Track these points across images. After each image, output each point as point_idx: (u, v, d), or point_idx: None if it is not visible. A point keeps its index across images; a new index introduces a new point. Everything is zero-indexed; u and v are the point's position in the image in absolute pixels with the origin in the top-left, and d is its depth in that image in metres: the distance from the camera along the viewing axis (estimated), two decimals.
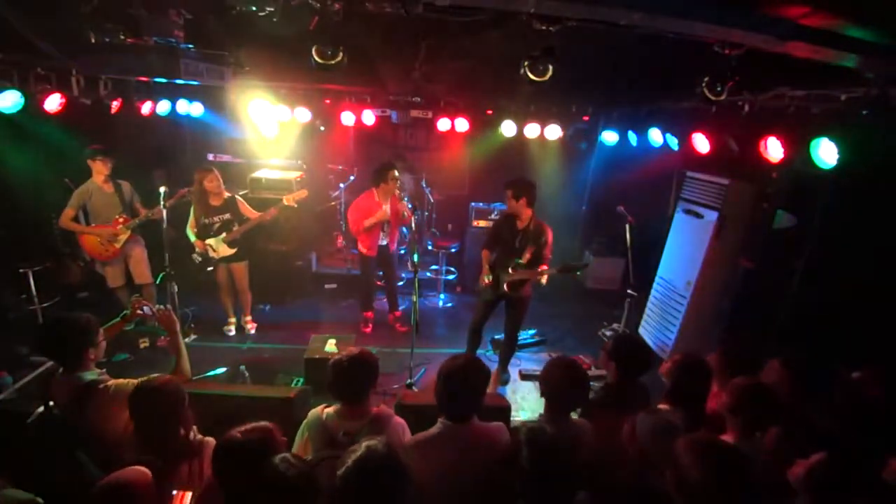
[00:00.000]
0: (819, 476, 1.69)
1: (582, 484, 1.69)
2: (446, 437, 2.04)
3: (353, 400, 2.17)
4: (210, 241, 4.68)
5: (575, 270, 4.24)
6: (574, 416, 2.39)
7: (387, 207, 4.89)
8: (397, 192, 4.96)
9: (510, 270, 4.12)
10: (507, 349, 4.61)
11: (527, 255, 4.09)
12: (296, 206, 4.85)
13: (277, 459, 1.55)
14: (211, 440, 2.12)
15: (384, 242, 5.13)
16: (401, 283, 6.25)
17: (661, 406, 2.31)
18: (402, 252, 6.68)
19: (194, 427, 2.16)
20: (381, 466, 1.52)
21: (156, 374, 2.16)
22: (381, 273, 5.44)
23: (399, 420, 2.24)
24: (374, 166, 5.05)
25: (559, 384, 2.23)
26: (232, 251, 4.78)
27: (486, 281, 4.19)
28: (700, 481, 1.49)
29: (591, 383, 4.51)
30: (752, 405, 2.09)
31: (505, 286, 4.17)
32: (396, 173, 4.87)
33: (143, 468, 1.70)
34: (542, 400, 2.31)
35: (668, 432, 1.88)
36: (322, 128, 6.37)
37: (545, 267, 4.02)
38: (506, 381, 4.64)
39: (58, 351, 2.36)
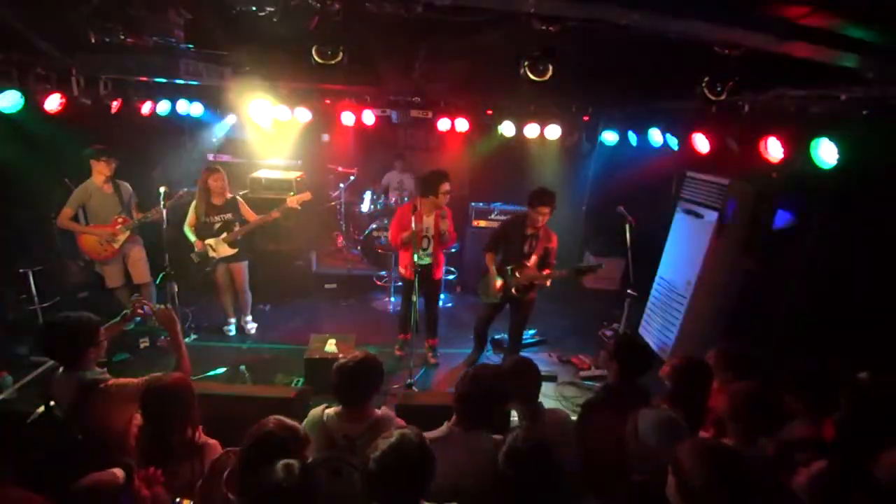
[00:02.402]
0: (821, 485, 1.69)
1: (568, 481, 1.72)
2: (450, 440, 2.04)
3: (356, 403, 2.17)
4: (210, 240, 4.67)
5: (584, 274, 4.19)
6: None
7: (428, 221, 4.34)
8: (444, 208, 4.36)
9: (517, 274, 4.14)
10: (513, 351, 4.60)
11: (534, 259, 4.13)
12: (299, 208, 4.85)
13: (279, 465, 1.55)
14: (214, 442, 2.13)
15: (425, 262, 4.40)
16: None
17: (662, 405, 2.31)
18: (452, 278, 6.52)
19: (200, 427, 2.17)
20: (414, 452, 1.60)
21: (163, 372, 2.16)
22: (423, 299, 4.60)
23: (401, 423, 2.22)
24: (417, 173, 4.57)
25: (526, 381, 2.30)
26: (232, 251, 4.77)
27: (498, 285, 4.16)
28: (702, 485, 1.48)
29: (591, 383, 4.59)
30: (753, 411, 2.08)
31: (513, 290, 4.18)
32: (448, 186, 4.22)
33: (117, 470, 1.70)
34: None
35: (670, 427, 1.88)
36: (325, 136, 6.29)
37: (548, 272, 4.05)
38: None
39: (59, 350, 2.37)
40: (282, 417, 1.83)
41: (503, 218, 6.09)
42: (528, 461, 1.70)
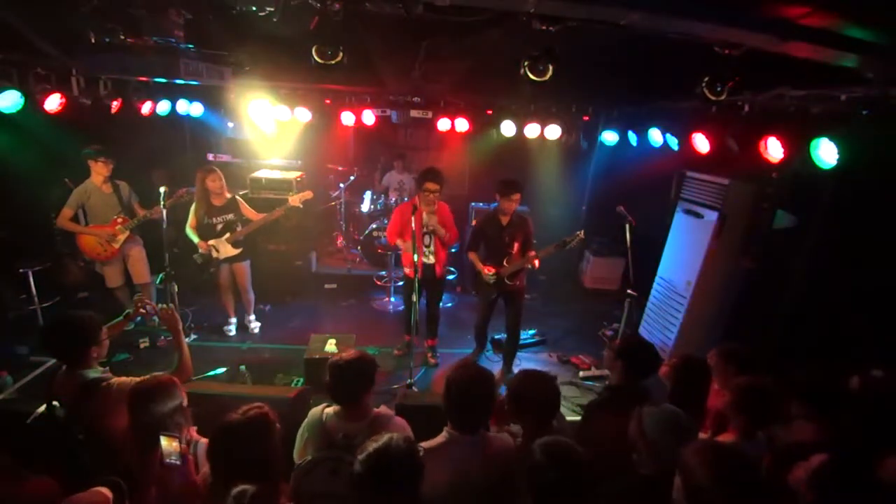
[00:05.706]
0: (820, 479, 1.69)
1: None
2: (452, 445, 2.03)
3: (351, 402, 2.16)
4: (213, 241, 4.67)
5: (569, 244, 4.12)
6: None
7: (429, 219, 4.34)
8: (439, 204, 4.37)
9: (506, 264, 4.20)
10: (512, 348, 4.61)
11: (516, 246, 4.20)
12: (301, 206, 4.85)
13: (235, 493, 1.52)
14: (203, 440, 2.12)
15: (430, 261, 4.51)
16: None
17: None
18: (452, 278, 6.52)
19: (194, 428, 2.16)
20: (400, 456, 1.58)
21: (155, 373, 2.16)
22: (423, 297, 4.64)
23: (400, 420, 2.22)
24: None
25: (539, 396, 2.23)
26: (236, 251, 4.78)
27: (489, 273, 4.19)
28: (707, 486, 1.48)
29: (591, 383, 4.58)
30: (755, 404, 2.09)
31: (505, 280, 4.23)
32: (433, 185, 4.17)
33: (104, 490, 1.70)
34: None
35: (676, 423, 1.89)
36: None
37: (533, 253, 4.13)
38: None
39: (62, 349, 2.37)
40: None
41: None
42: (557, 472, 1.62)
